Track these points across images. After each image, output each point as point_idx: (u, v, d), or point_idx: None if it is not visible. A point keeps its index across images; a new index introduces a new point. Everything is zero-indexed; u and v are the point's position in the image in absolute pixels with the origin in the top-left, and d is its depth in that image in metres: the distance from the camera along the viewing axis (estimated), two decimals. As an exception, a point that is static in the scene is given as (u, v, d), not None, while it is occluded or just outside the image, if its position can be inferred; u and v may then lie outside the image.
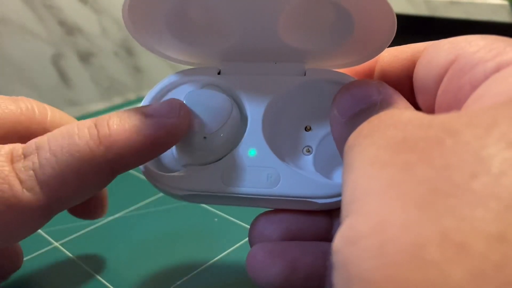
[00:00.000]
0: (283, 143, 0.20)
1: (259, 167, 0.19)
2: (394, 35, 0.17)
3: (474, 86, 0.14)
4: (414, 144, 0.11)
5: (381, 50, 0.18)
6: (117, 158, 0.17)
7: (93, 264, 0.25)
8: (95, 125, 0.18)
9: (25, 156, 0.17)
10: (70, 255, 0.26)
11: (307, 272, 0.18)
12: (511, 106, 0.11)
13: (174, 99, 0.19)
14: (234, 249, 0.26)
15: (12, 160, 0.17)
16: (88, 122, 0.18)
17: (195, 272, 0.25)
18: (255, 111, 0.20)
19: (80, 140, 0.17)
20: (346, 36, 0.18)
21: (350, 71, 0.20)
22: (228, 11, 0.18)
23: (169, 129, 0.18)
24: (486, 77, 0.14)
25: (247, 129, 0.20)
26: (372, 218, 0.10)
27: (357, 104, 0.16)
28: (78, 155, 0.17)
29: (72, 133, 0.17)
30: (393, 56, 0.19)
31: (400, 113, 0.14)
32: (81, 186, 0.17)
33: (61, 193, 0.17)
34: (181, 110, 0.18)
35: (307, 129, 0.20)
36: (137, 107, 0.19)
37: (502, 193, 0.09)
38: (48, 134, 0.18)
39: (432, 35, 0.16)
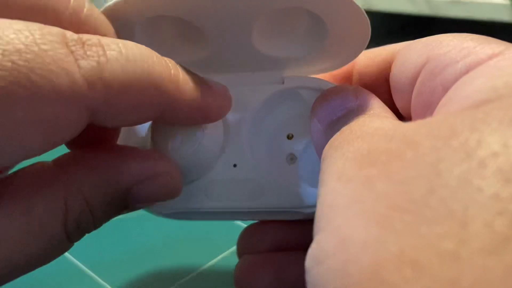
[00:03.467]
0: (266, 153, 0.20)
1: (243, 180, 0.19)
2: (369, 40, 0.17)
3: (446, 88, 0.14)
4: (377, 157, 0.11)
5: (356, 54, 0.18)
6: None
7: (92, 263, 0.25)
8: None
9: (84, 43, 0.13)
10: (69, 255, 0.26)
11: (294, 283, 0.18)
12: (471, 113, 0.11)
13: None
14: (234, 249, 0.26)
15: (67, 44, 0.13)
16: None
17: (195, 272, 0.25)
18: (235, 123, 0.19)
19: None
20: (321, 43, 0.18)
21: (328, 75, 0.20)
22: (200, 25, 0.17)
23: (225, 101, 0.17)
24: (456, 78, 0.13)
25: (229, 142, 0.19)
26: (336, 236, 0.10)
27: (334, 111, 0.16)
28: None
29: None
30: (369, 59, 0.18)
31: (370, 122, 0.13)
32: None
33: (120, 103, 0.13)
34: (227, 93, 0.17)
35: (289, 137, 0.20)
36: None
37: (458, 209, 0.09)
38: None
39: (433, 34, 0.16)
